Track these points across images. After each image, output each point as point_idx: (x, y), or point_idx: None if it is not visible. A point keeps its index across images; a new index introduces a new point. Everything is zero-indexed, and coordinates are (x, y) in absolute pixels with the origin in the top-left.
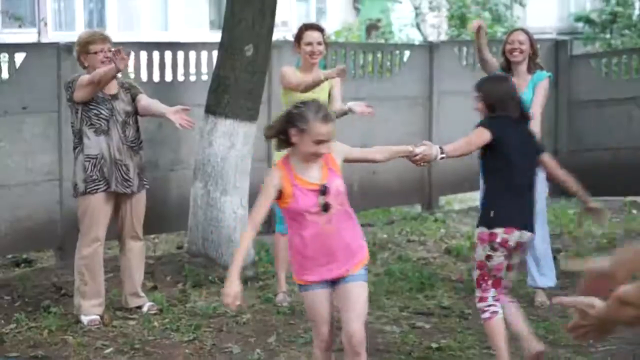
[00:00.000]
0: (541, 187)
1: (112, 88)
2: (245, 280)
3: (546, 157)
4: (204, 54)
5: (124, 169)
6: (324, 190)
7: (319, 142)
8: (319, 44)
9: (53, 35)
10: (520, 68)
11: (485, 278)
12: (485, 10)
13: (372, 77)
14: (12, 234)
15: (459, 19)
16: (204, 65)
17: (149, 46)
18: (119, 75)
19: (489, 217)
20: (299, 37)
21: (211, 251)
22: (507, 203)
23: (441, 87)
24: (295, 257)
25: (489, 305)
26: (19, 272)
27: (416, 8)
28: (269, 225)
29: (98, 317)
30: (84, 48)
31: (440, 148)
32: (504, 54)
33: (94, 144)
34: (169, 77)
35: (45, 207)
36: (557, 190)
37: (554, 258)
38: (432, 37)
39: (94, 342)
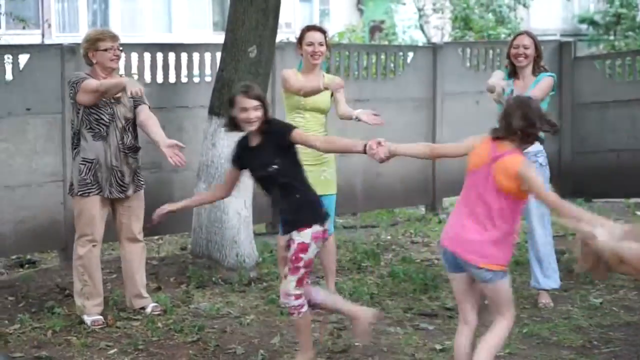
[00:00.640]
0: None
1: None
2: (249, 282)
3: None
4: (208, 56)
5: (119, 174)
6: None
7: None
8: (320, 44)
9: (57, 36)
10: (525, 71)
11: (307, 275)
12: (488, 12)
13: (375, 78)
14: (15, 235)
15: (462, 21)
16: (207, 66)
17: (153, 47)
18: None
19: (322, 213)
20: (301, 38)
21: (215, 252)
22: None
23: (445, 89)
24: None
25: (303, 303)
26: (22, 273)
27: (420, 9)
28: (272, 226)
29: (101, 317)
30: (93, 45)
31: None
32: (509, 57)
33: (91, 148)
34: (172, 79)
35: (48, 208)
36: (560, 192)
37: (558, 260)
38: (436, 39)
39: (98, 342)
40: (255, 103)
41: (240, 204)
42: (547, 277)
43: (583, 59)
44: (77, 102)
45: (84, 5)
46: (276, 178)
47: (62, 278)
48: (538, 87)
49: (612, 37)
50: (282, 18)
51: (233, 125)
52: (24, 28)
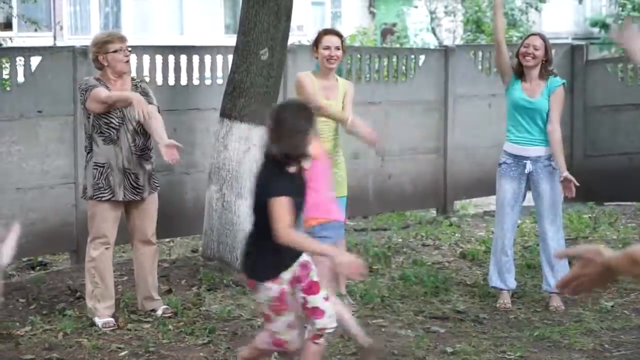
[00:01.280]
0: (557, 193)
1: (126, 91)
2: None
3: None
4: (219, 58)
5: (133, 177)
6: None
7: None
8: (337, 48)
9: (69, 39)
10: (532, 73)
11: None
12: None
13: (387, 81)
14: (27, 237)
15: (474, 24)
16: (219, 69)
17: (165, 50)
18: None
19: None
20: (317, 41)
21: (226, 255)
22: None
23: (456, 92)
24: None
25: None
26: (34, 275)
27: (432, 12)
28: None
29: (112, 319)
30: (102, 48)
31: None
32: (518, 56)
33: (103, 152)
34: (184, 81)
35: (60, 210)
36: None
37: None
38: (448, 42)
39: (109, 345)
40: None
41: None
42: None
43: (595, 62)
44: (86, 109)
45: (96, 7)
46: None
47: (73, 280)
48: (554, 114)
49: None
50: (294, 21)
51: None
52: (35, 30)
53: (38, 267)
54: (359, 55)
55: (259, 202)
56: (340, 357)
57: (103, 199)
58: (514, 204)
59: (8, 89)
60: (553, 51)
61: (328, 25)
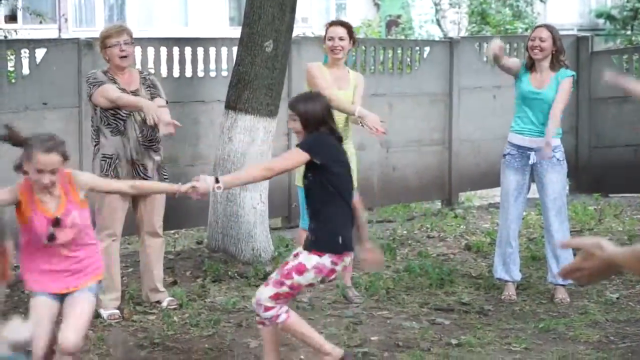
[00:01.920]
0: (562, 184)
1: (133, 84)
2: (264, 276)
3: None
4: (224, 50)
5: (142, 168)
6: (56, 223)
7: (40, 172)
8: (341, 39)
9: (73, 31)
10: (542, 65)
11: (287, 298)
12: (505, 7)
13: (392, 73)
14: None
15: (479, 15)
16: (223, 61)
17: (169, 42)
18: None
19: (337, 243)
20: (325, 33)
21: (231, 246)
22: (349, 227)
23: (461, 83)
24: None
25: (280, 310)
26: None
27: (436, 4)
28: (289, 220)
29: (118, 311)
30: (103, 42)
31: (217, 179)
32: (527, 49)
33: (110, 143)
34: (189, 73)
35: None
36: (577, 186)
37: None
38: (453, 33)
39: (114, 336)
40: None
41: (257, 198)
42: None
43: (600, 53)
44: (92, 102)
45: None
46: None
47: None
48: (558, 99)
49: (629, 32)
50: (299, 12)
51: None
52: (40, 22)
53: None
54: (363, 47)
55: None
56: (346, 349)
57: None
58: (518, 195)
59: (13, 81)
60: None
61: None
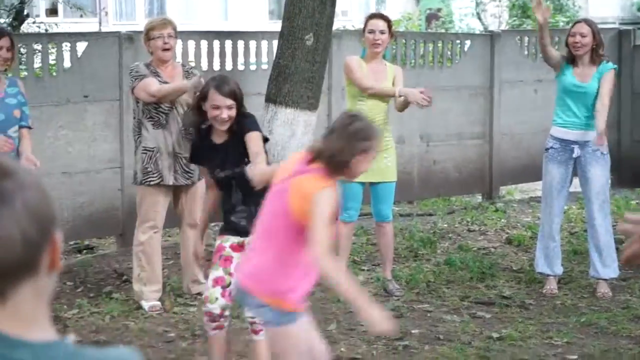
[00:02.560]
0: (605, 178)
1: (176, 78)
2: None
3: None
4: (264, 43)
5: (184, 160)
6: None
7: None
8: (382, 32)
9: (114, 24)
10: (584, 58)
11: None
12: (547, 0)
13: (432, 66)
14: (74, 220)
15: (520, 9)
16: (264, 54)
17: (209, 35)
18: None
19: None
20: (364, 25)
21: None
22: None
23: (502, 77)
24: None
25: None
26: (81, 258)
27: None
28: None
29: (159, 303)
30: (146, 35)
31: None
32: (567, 45)
33: (152, 136)
34: (229, 66)
35: (106, 194)
36: (619, 181)
37: (617, 249)
38: (493, 27)
39: (155, 327)
40: (229, 102)
41: None
42: (606, 266)
43: None
44: (134, 95)
45: None
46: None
47: (119, 264)
48: (603, 92)
49: None
50: (339, 6)
51: (199, 117)
52: (81, 16)
53: (85, 251)
54: (404, 41)
55: None
56: (386, 341)
57: (152, 183)
58: (561, 189)
59: (54, 74)
60: (602, 36)
61: (372, 11)
